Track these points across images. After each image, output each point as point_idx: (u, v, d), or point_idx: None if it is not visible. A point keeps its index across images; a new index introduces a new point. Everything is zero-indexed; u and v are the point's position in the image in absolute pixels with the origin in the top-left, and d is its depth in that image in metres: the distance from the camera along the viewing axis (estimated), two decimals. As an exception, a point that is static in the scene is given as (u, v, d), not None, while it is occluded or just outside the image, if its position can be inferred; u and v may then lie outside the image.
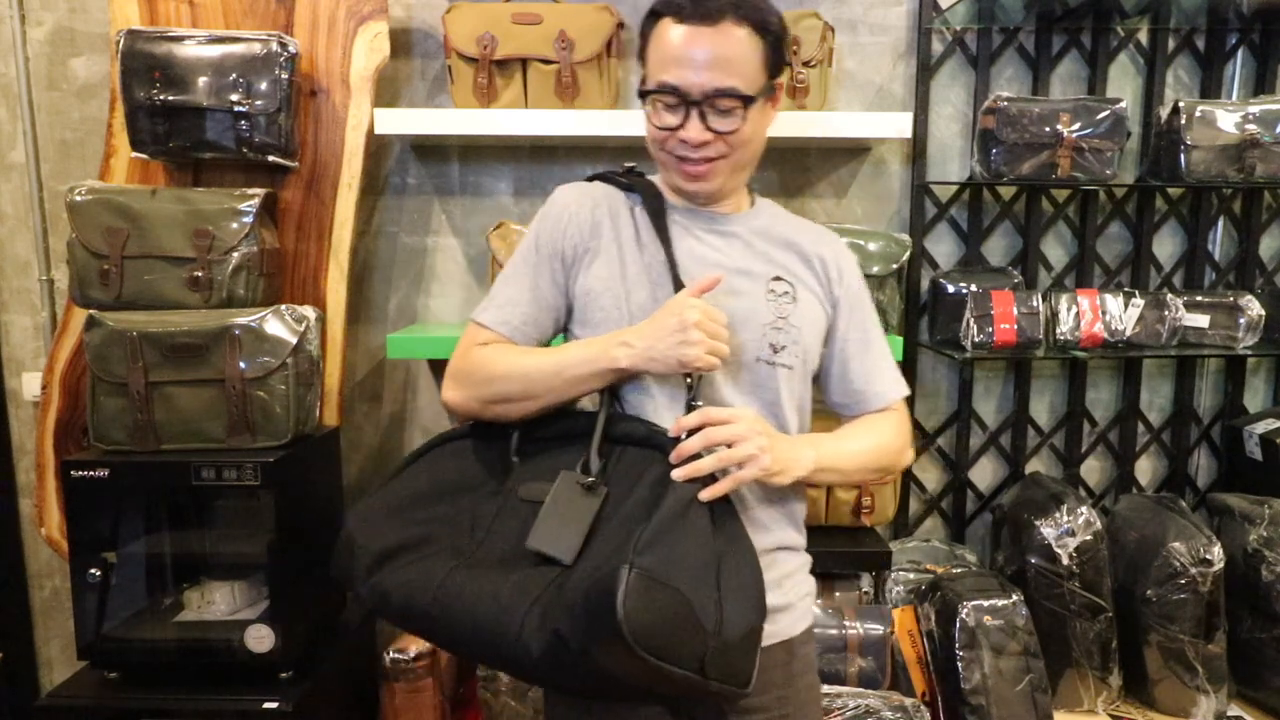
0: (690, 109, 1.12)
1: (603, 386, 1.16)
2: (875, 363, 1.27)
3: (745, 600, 1.05)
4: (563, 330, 1.26)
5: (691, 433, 1.07)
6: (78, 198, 1.67)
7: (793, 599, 1.23)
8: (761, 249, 1.23)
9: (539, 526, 1.08)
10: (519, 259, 1.25)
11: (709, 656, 0.99)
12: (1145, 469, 2.22)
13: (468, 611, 1.05)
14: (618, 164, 1.29)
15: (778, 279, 1.20)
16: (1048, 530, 1.80)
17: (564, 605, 1.00)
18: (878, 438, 1.25)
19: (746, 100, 1.13)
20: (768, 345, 1.17)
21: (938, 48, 2.04)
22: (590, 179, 1.29)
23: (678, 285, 1.15)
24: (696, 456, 1.06)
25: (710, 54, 1.10)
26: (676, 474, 1.05)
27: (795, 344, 1.19)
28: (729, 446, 1.06)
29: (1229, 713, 1.82)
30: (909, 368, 2.09)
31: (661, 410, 1.16)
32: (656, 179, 1.28)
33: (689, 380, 1.11)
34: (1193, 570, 1.76)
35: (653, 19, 1.16)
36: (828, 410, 1.30)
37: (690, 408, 1.10)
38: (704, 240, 1.22)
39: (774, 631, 1.19)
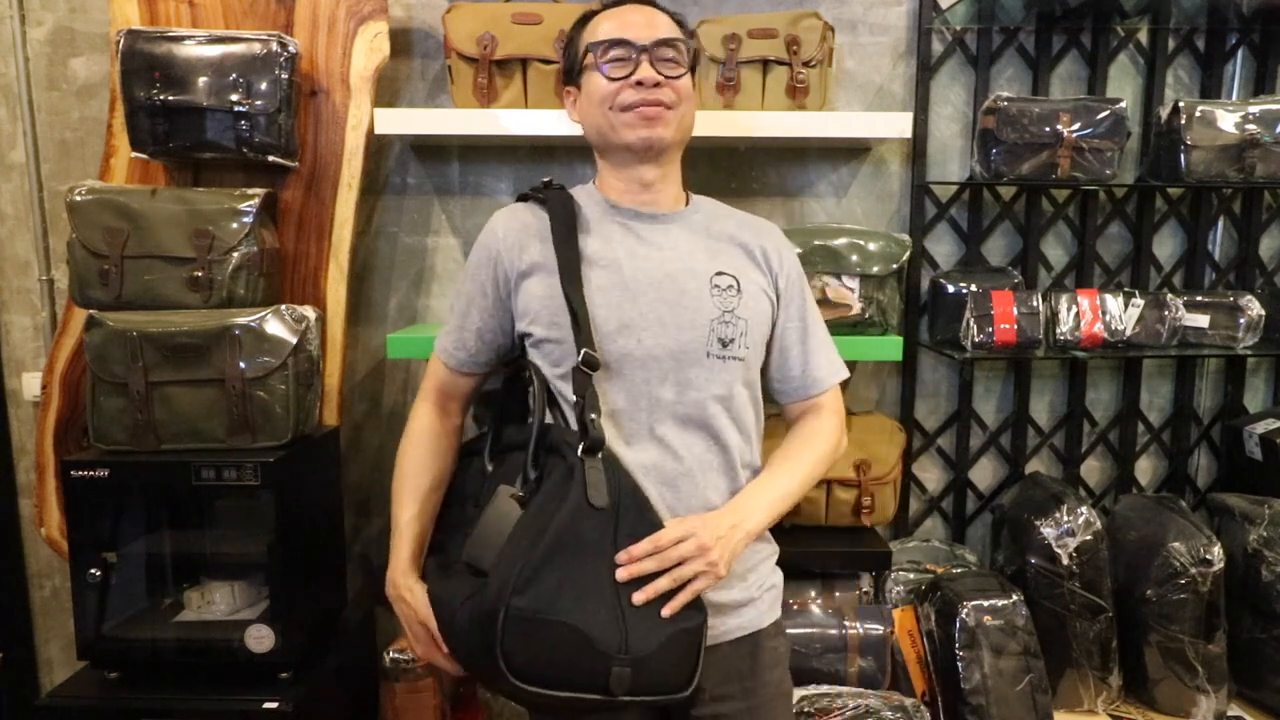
0: (640, 54, 1.18)
1: None
2: (813, 349, 1.32)
3: (658, 611, 1.07)
4: (519, 342, 1.28)
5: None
6: (78, 198, 1.67)
7: (755, 593, 1.25)
8: (704, 244, 1.26)
9: (472, 538, 1.11)
10: (460, 290, 1.32)
11: (614, 677, 1.02)
12: (1145, 469, 2.22)
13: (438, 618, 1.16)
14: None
15: (721, 274, 1.23)
16: (1048, 530, 1.80)
17: (457, 628, 1.08)
18: (807, 463, 1.27)
19: (686, 46, 1.22)
20: (716, 340, 1.20)
21: (938, 48, 2.04)
22: (519, 198, 1.33)
23: (574, 283, 1.17)
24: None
25: (649, 17, 1.22)
26: (636, 596, 1.08)
27: (744, 335, 1.22)
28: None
29: (1229, 713, 1.82)
30: (909, 368, 2.10)
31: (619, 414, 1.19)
32: (587, 188, 1.30)
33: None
34: (1193, 570, 1.76)
35: (581, 24, 1.25)
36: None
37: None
38: (646, 239, 1.25)
39: (739, 625, 1.22)
